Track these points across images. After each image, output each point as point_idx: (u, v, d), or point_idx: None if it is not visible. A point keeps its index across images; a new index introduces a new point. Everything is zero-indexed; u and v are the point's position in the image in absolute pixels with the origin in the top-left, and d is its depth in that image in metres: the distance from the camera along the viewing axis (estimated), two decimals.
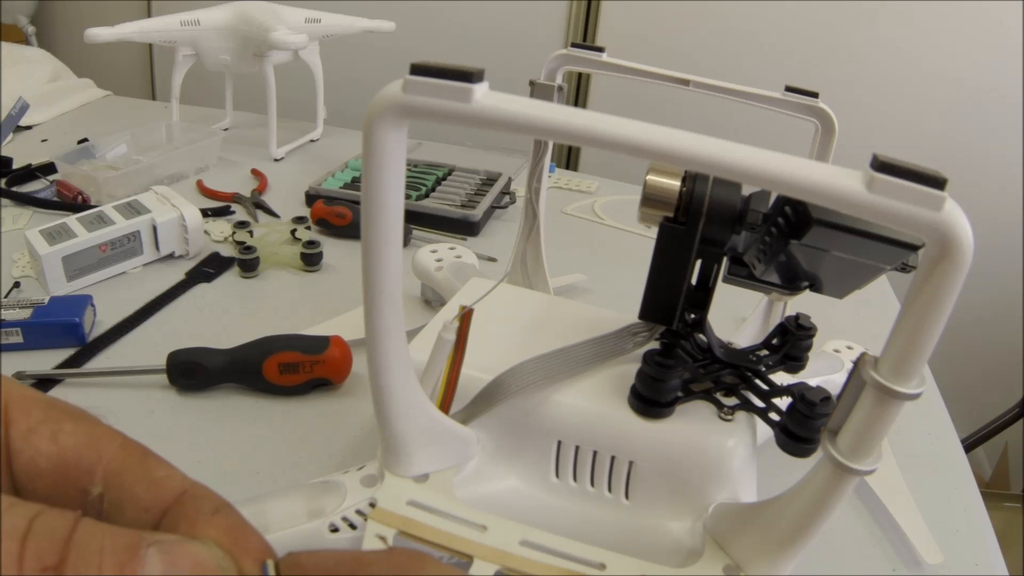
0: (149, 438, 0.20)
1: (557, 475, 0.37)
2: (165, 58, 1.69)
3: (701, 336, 0.39)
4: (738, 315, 0.61)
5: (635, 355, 0.39)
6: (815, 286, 0.36)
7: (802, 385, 0.35)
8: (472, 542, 0.30)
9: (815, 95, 0.45)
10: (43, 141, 1.02)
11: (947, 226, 0.21)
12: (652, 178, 0.35)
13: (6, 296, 0.62)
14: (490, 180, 0.92)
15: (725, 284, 0.38)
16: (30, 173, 0.86)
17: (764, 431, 0.37)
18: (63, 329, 0.55)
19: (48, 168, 0.87)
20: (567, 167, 1.57)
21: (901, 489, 0.48)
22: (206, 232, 0.74)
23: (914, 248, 0.30)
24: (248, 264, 0.68)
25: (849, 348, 0.56)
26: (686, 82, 0.46)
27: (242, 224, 0.75)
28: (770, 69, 1.42)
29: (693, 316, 0.39)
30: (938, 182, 0.20)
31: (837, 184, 0.21)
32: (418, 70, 0.23)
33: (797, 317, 0.40)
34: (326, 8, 1.00)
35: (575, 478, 0.37)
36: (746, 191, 0.35)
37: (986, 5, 1.31)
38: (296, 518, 0.33)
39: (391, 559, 0.16)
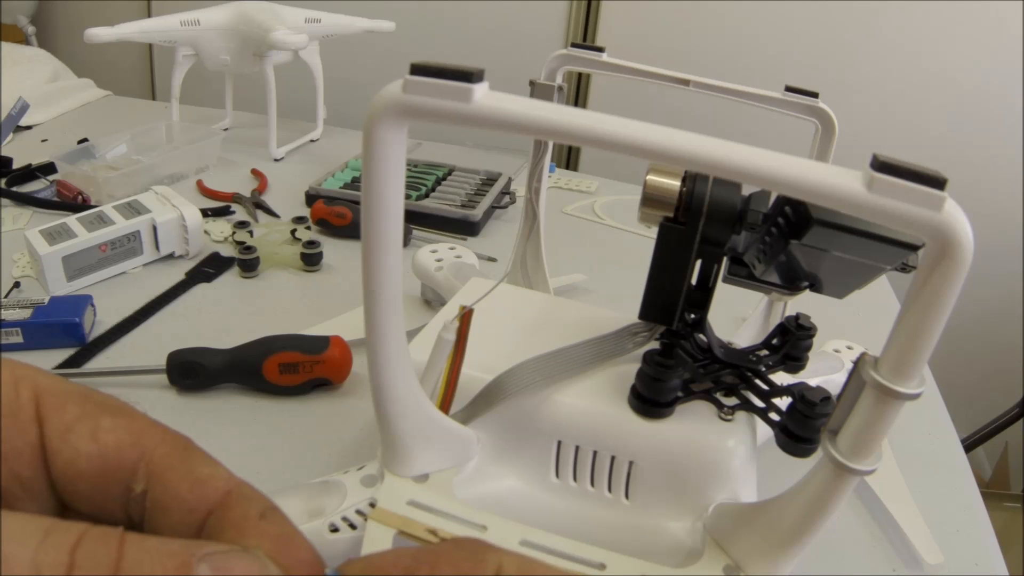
0: None
1: (557, 475, 0.37)
2: (165, 58, 1.69)
3: (701, 336, 0.39)
4: (738, 315, 0.61)
5: (635, 355, 0.39)
6: (815, 286, 0.36)
7: (802, 385, 0.35)
8: None
9: (815, 95, 0.45)
10: (43, 141, 1.02)
11: (947, 226, 0.21)
12: (652, 178, 0.35)
13: (6, 296, 0.62)
14: (490, 180, 0.92)
15: (725, 284, 0.38)
16: (30, 173, 0.86)
17: (764, 431, 0.37)
18: (63, 329, 0.55)
19: (48, 168, 0.87)
20: (567, 167, 1.57)
21: (901, 489, 0.48)
22: (206, 232, 0.74)
23: (914, 248, 0.30)
24: (248, 264, 0.68)
25: (849, 348, 0.56)
26: (686, 82, 0.46)
27: (242, 224, 0.75)
28: (770, 69, 1.42)
29: (693, 316, 0.39)
30: (938, 182, 0.20)
31: (837, 184, 0.21)
32: (418, 70, 0.23)
33: (797, 317, 0.40)
34: (326, 8, 1.00)
35: (575, 478, 0.37)
36: (746, 191, 0.35)
37: (986, 5, 1.31)
38: (296, 518, 0.32)
39: (464, 547, 0.16)
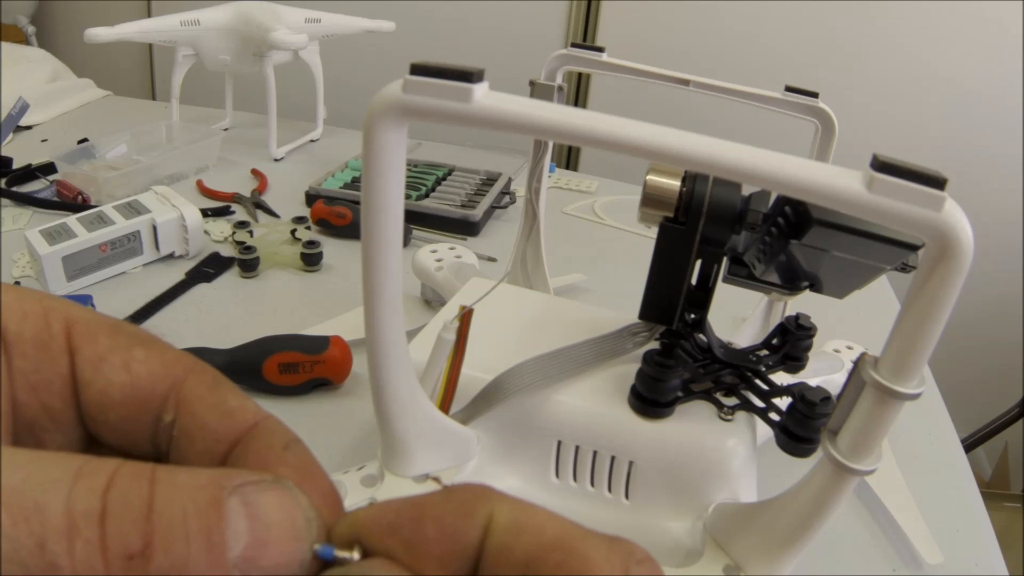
0: None
1: (557, 475, 0.37)
2: (165, 58, 1.69)
3: (701, 336, 0.39)
4: (738, 315, 0.61)
5: (635, 355, 0.39)
6: (815, 286, 0.36)
7: (802, 385, 0.35)
8: None
9: (815, 95, 0.45)
10: (43, 141, 1.02)
11: (947, 226, 0.21)
12: (652, 178, 0.35)
13: None
14: (490, 180, 0.92)
15: (725, 284, 0.38)
16: (30, 173, 0.86)
17: (764, 431, 0.37)
18: None
19: (48, 168, 0.87)
20: (567, 167, 1.57)
21: (901, 489, 0.48)
22: (206, 232, 0.74)
23: (914, 248, 0.30)
24: (248, 264, 0.68)
25: (849, 348, 0.56)
26: (686, 82, 0.46)
27: (242, 224, 0.75)
28: (770, 69, 1.42)
29: (693, 316, 0.39)
30: (938, 182, 0.20)
31: (837, 184, 0.21)
32: (418, 70, 0.23)
33: (797, 317, 0.40)
34: (326, 8, 1.00)
35: (575, 478, 0.37)
36: (746, 191, 0.35)
37: (986, 5, 1.31)
38: None
39: (455, 498, 0.15)
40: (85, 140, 0.93)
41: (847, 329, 0.59)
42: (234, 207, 0.84)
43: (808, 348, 0.40)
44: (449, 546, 0.14)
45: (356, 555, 0.15)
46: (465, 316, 0.34)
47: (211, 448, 0.16)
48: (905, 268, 0.32)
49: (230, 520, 0.13)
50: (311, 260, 0.70)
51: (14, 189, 0.82)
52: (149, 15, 0.98)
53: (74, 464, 0.13)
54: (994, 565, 0.44)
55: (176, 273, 0.68)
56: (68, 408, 0.17)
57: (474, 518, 0.15)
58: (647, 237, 0.76)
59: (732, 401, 0.37)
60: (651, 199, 0.35)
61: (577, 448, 0.37)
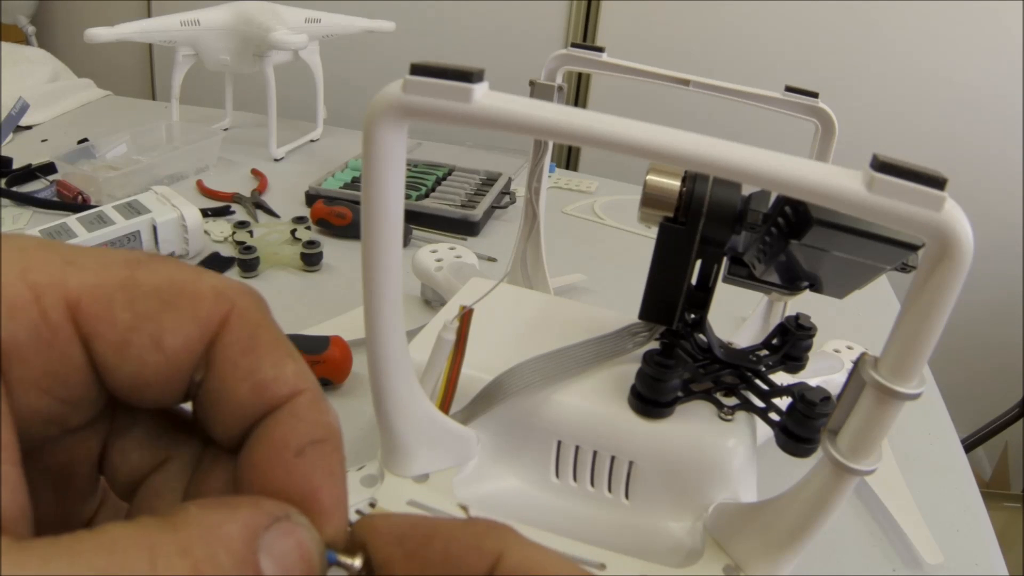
0: None
1: (557, 475, 0.37)
2: (165, 58, 1.69)
3: (701, 336, 0.39)
4: (738, 315, 0.61)
5: (635, 355, 0.39)
6: (815, 286, 0.36)
7: (802, 385, 0.35)
8: None
9: (815, 95, 0.45)
10: (43, 141, 1.02)
11: (947, 226, 0.21)
12: (652, 178, 0.35)
13: None
14: (490, 180, 0.92)
15: (725, 284, 0.38)
16: (30, 173, 0.86)
17: (764, 431, 0.37)
18: None
19: (48, 168, 0.87)
20: (567, 167, 1.57)
21: (901, 489, 0.48)
22: (206, 232, 0.74)
23: (914, 248, 0.30)
24: (248, 264, 0.68)
25: (849, 348, 0.56)
26: (686, 82, 0.46)
27: (242, 224, 0.75)
28: (770, 69, 1.42)
29: (693, 316, 0.39)
30: (938, 182, 0.20)
31: (837, 184, 0.21)
32: (418, 70, 0.23)
33: (797, 317, 0.40)
34: (326, 8, 1.00)
35: (575, 478, 0.37)
36: (746, 191, 0.35)
37: (986, 5, 1.31)
38: None
39: (470, 528, 0.15)
40: (85, 140, 0.93)
41: (847, 329, 0.59)
42: (234, 207, 0.84)
43: (808, 348, 0.40)
44: (450, 571, 0.14)
45: (357, 562, 0.15)
46: (465, 316, 0.34)
47: (236, 420, 0.15)
48: (905, 268, 0.32)
49: (267, 573, 0.13)
50: (311, 260, 0.70)
51: (14, 189, 0.82)
52: (149, 15, 0.98)
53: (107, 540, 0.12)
54: (994, 565, 0.44)
55: None
56: (91, 391, 0.15)
57: (483, 553, 0.14)
58: (647, 237, 0.76)
59: (732, 401, 0.37)
60: (651, 199, 0.35)
61: (577, 448, 0.37)
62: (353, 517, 0.33)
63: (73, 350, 0.14)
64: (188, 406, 0.17)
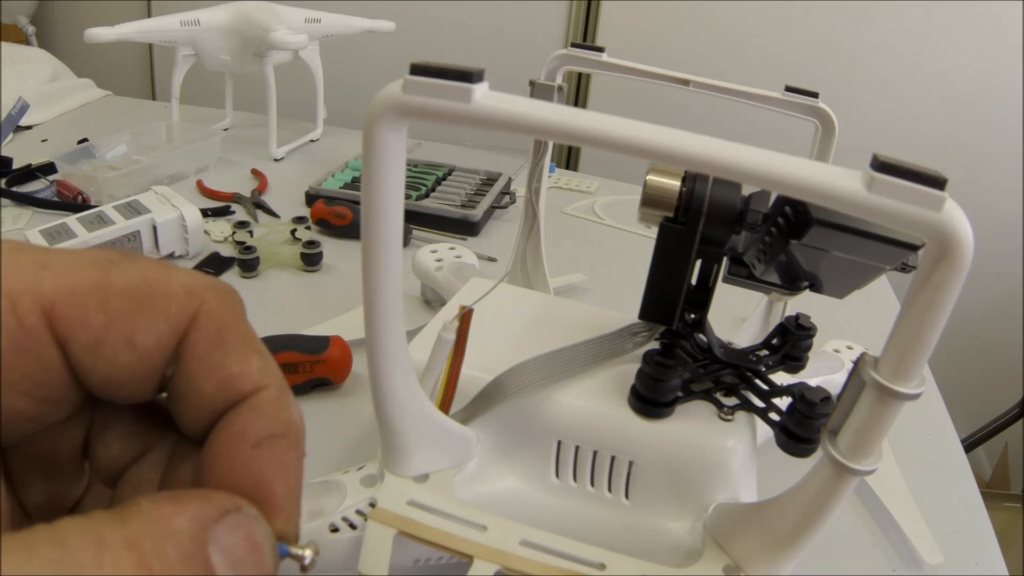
0: None
1: (557, 475, 0.37)
2: (165, 58, 1.69)
3: (701, 336, 0.39)
4: (738, 315, 0.61)
5: (635, 355, 0.39)
6: (815, 286, 0.36)
7: (802, 385, 0.35)
8: (472, 542, 0.30)
9: (815, 95, 0.45)
10: (43, 141, 1.02)
11: (947, 226, 0.21)
12: (652, 178, 0.35)
13: None
14: (490, 180, 0.92)
15: (725, 284, 0.38)
16: (30, 173, 0.86)
17: (764, 431, 0.37)
18: None
19: (48, 168, 0.87)
20: (567, 167, 1.57)
21: (901, 489, 0.48)
22: (206, 232, 0.74)
23: (914, 248, 0.30)
24: (248, 264, 0.68)
25: (849, 348, 0.56)
26: (686, 82, 0.46)
27: (242, 224, 0.75)
28: (770, 69, 1.42)
29: (693, 316, 0.39)
30: (938, 182, 0.20)
31: (837, 184, 0.21)
32: (418, 70, 0.23)
33: (797, 317, 0.40)
34: (326, 8, 1.00)
35: (575, 478, 0.37)
36: (746, 191, 0.35)
37: (986, 5, 1.31)
38: None
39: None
40: (85, 140, 0.93)
41: (847, 329, 0.59)
42: (234, 207, 0.84)
43: (808, 348, 0.40)
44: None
45: (308, 553, 0.16)
46: (465, 316, 0.34)
47: (203, 414, 0.16)
48: (905, 268, 0.32)
49: (216, 568, 0.14)
50: (311, 260, 0.70)
51: (14, 189, 0.82)
52: (149, 15, 0.98)
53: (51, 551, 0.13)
54: (994, 565, 0.44)
55: None
56: (69, 390, 0.16)
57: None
58: (647, 237, 0.76)
59: (732, 401, 0.37)
60: (651, 199, 0.35)
61: (577, 448, 0.37)
62: (354, 517, 0.33)
63: (49, 353, 0.15)
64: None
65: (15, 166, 0.88)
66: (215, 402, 0.16)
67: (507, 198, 0.88)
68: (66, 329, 0.15)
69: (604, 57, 0.47)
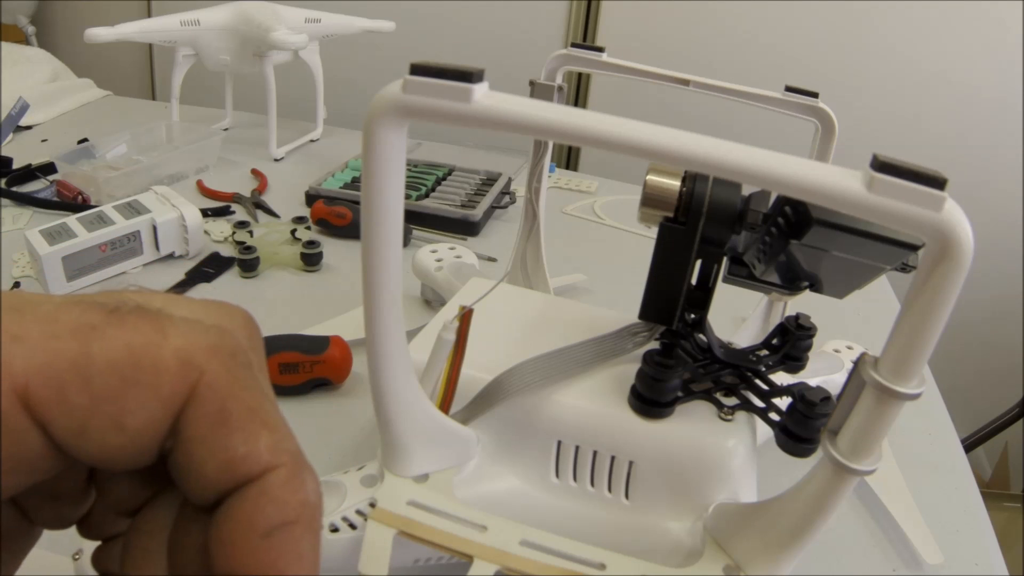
0: None
1: (557, 475, 0.37)
2: (165, 58, 1.69)
3: (701, 336, 0.39)
4: (738, 315, 0.61)
5: (635, 355, 0.39)
6: (815, 286, 0.36)
7: (802, 385, 0.35)
8: (472, 542, 0.30)
9: (815, 95, 0.45)
10: (43, 141, 1.02)
11: (947, 226, 0.21)
12: (652, 178, 0.35)
13: None
14: (490, 180, 0.92)
15: (725, 284, 0.38)
16: (30, 173, 0.86)
17: (764, 431, 0.37)
18: None
19: (48, 168, 0.87)
20: (567, 167, 1.57)
21: (901, 489, 0.48)
22: (206, 232, 0.74)
23: (914, 248, 0.30)
24: (248, 264, 0.68)
25: (849, 348, 0.56)
26: (686, 82, 0.46)
27: (242, 224, 0.75)
28: (770, 69, 1.42)
29: (693, 316, 0.39)
30: (938, 182, 0.20)
31: (837, 184, 0.21)
32: (418, 70, 0.23)
33: (797, 317, 0.40)
34: (326, 8, 1.00)
35: (575, 478, 0.37)
36: (746, 191, 0.35)
37: (986, 5, 1.31)
38: None
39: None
40: (85, 140, 0.93)
41: (847, 329, 0.59)
42: (234, 207, 0.84)
43: (808, 348, 0.40)
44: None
45: None
46: (465, 316, 0.34)
47: (207, 492, 0.15)
48: (905, 268, 0.32)
49: None
50: (311, 260, 0.70)
51: (14, 189, 0.82)
52: (149, 15, 0.98)
53: None
54: (994, 565, 0.44)
55: (176, 273, 0.68)
56: (58, 462, 0.14)
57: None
58: (647, 237, 0.76)
59: (732, 401, 0.37)
60: (651, 199, 0.35)
61: (577, 448, 0.37)
62: (354, 517, 0.33)
63: (30, 436, 0.13)
64: None
65: (15, 166, 0.88)
66: (219, 484, 0.14)
67: (507, 198, 0.88)
68: (45, 412, 0.13)
69: (604, 57, 0.47)
